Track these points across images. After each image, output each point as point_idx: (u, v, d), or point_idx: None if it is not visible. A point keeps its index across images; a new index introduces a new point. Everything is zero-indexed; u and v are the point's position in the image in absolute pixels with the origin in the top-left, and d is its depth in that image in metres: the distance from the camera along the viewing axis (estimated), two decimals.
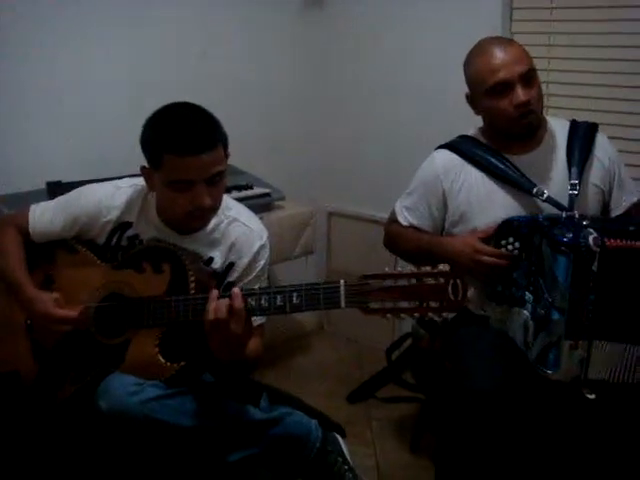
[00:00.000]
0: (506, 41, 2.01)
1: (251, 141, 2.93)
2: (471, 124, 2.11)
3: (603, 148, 2.03)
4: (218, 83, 2.86)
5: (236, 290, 1.55)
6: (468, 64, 2.01)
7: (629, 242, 1.72)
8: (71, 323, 1.70)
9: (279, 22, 3.12)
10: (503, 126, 1.97)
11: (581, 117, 2.11)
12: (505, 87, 1.90)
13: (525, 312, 1.85)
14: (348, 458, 1.84)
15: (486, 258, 1.87)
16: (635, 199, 2.05)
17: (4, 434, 1.70)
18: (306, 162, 3.32)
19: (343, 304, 1.52)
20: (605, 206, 2.04)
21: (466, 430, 1.78)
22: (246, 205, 1.98)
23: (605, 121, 2.25)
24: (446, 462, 1.92)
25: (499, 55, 1.91)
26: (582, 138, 2.00)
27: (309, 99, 3.29)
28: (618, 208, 2.03)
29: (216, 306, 1.53)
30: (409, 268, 1.52)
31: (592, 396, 1.74)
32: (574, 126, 2.04)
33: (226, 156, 1.71)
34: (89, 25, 2.48)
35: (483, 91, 1.94)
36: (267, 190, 2.75)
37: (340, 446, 1.86)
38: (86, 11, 2.47)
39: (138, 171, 1.75)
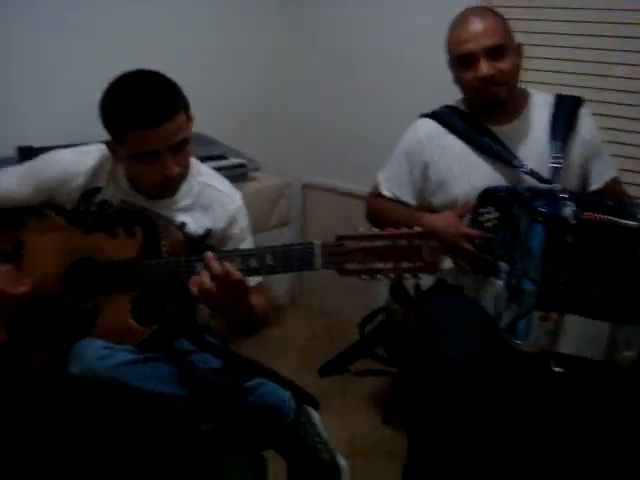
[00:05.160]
0: (482, 12, 1.96)
1: (225, 112, 2.88)
2: (446, 96, 2.09)
3: (586, 122, 2.01)
4: (192, 53, 2.81)
5: (209, 254, 1.51)
6: (448, 33, 2.01)
7: (606, 217, 1.71)
8: (25, 297, 1.66)
9: None
10: (471, 96, 1.99)
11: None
12: (470, 59, 1.91)
13: (499, 282, 1.85)
14: (321, 431, 1.83)
15: (468, 246, 1.88)
16: (613, 174, 2.05)
17: None
18: (280, 134, 3.29)
19: (319, 265, 1.49)
20: (584, 180, 2.03)
21: (439, 401, 1.79)
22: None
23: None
24: (419, 434, 1.92)
25: (469, 27, 1.91)
26: (566, 112, 1.99)
27: (285, 71, 3.26)
28: (596, 182, 2.03)
29: (199, 279, 1.50)
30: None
31: (559, 369, 1.74)
32: (559, 100, 2.03)
33: (189, 119, 1.67)
34: None
35: (453, 62, 1.98)
36: (242, 161, 2.71)
37: (313, 419, 1.84)
38: None
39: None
